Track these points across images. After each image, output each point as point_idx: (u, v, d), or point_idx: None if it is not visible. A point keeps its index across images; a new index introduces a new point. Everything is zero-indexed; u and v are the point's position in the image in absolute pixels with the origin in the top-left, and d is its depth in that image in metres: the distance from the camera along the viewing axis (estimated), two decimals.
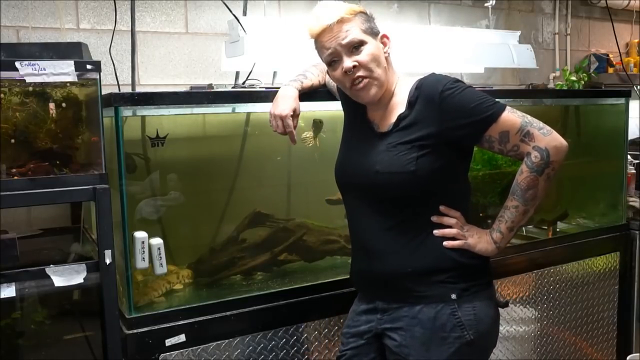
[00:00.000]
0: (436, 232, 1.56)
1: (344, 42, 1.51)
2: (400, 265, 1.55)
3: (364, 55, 1.52)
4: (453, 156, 1.55)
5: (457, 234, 1.57)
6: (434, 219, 1.56)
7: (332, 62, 1.56)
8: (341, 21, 1.51)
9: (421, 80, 1.56)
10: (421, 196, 1.55)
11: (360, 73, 1.53)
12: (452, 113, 1.49)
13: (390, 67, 1.61)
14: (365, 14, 1.57)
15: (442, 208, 1.57)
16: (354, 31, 1.52)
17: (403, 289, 1.56)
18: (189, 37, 2.50)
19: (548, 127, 1.53)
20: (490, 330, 1.59)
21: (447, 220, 1.57)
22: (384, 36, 1.59)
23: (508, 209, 1.58)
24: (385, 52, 1.58)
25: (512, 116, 1.51)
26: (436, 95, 1.50)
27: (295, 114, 1.69)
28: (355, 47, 1.52)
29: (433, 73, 1.58)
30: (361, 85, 1.54)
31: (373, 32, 1.56)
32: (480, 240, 1.59)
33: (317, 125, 1.90)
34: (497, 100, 1.53)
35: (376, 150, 1.57)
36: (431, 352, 1.53)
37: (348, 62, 1.52)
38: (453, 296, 1.53)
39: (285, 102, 1.70)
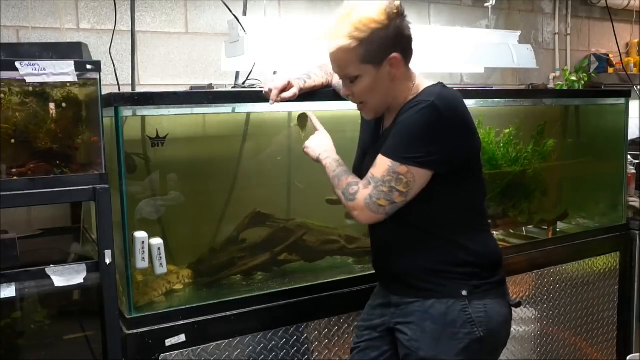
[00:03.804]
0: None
1: (341, 73, 1.57)
2: (410, 263, 1.58)
3: (358, 89, 1.56)
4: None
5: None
6: None
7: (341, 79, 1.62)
8: (340, 49, 1.50)
9: (419, 94, 1.55)
10: (426, 198, 1.54)
11: (355, 101, 1.60)
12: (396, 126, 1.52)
13: (400, 83, 1.56)
14: (374, 32, 1.47)
15: None
16: (350, 64, 1.51)
17: (415, 284, 1.58)
18: (189, 37, 2.49)
19: (383, 201, 1.50)
20: (500, 328, 1.59)
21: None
22: (393, 58, 1.51)
23: (342, 166, 1.63)
24: (391, 75, 1.53)
25: (399, 169, 1.47)
26: (404, 109, 1.52)
27: (289, 85, 1.74)
28: (350, 79, 1.55)
29: (439, 83, 1.58)
30: (359, 108, 1.63)
31: (373, 59, 1.50)
32: (314, 140, 1.72)
33: (302, 119, 1.90)
34: (423, 157, 1.46)
35: None
36: (441, 347, 1.54)
37: (344, 90, 1.60)
38: (464, 292, 1.54)
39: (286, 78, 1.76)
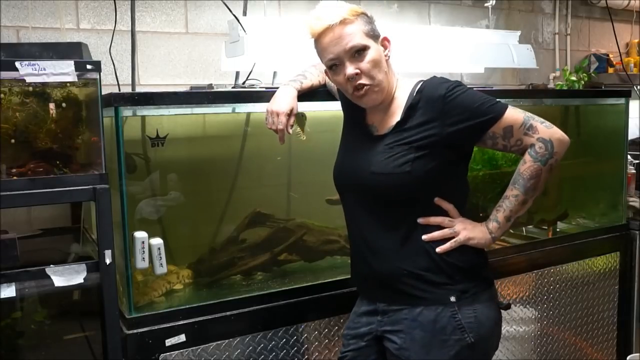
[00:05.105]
0: (425, 237, 1.54)
1: (347, 47, 1.49)
2: (396, 266, 1.55)
3: (366, 63, 1.50)
4: (451, 158, 1.55)
5: (444, 235, 1.55)
6: (421, 220, 1.55)
7: (333, 66, 1.54)
8: (343, 22, 1.48)
9: (423, 84, 1.56)
10: (416, 197, 1.55)
11: (363, 80, 1.51)
12: (456, 115, 1.49)
13: (390, 69, 1.59)
14: (367, 15, 1.55)
15: (436, 200, 1.56)
16: (356, 35, 1.49)
17: (401, 290, 1.56)
18: (189, 37, 2.50)
19: (549, 122, 1.55)
20: (491, 332, 1.59)
21: (433, 219, 1.55)
22: (385, 39, 1.57)
23: (507, 199, 1.58)
24: (385, 55, 1.57)
25: (514, 112, 1.54)
26: (439, 99, 1.50)
27: (292, 113, 1.69)
28: (357, 52, 1.50)
29: (434, 76, 1.58)
30: (363, 92, 1.53)
31: (374, 35, 1.54)
32: (474, 232, 1.58)
33: (300, 119, 1.90)
34: (498, 100, 1.54)
35: (373, 151, 1.56)
36: (431, 355, 1.52)
37: (350, 69, 1.50)
38: (452, 299, 1.52)
39: (284, 100, 1.69)
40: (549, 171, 1.54)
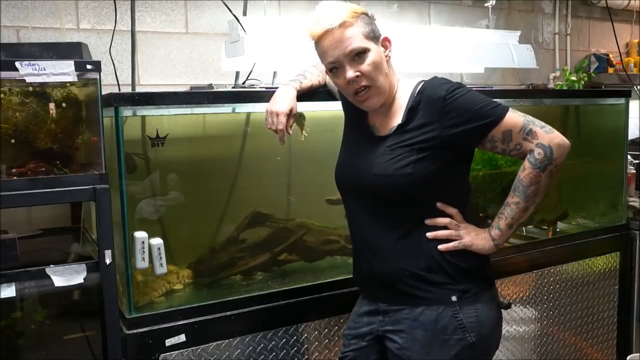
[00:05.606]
0: (429, 234, 1.55)
1: (347, 50, 1.48)
2: (397, 266, 1.56)
3: (366, 65, 1.50)
4: (452, 159, 1.55)
5: (450, 235, 1.56)
6: (428, 222, 1.56)
7: (334, 69, 1.54)
8: (343, 25, 1.48)
9: (424, 85, 1.55)
10: (418, 198, 1.55)
11: (364, 83, 1.51)
12: (456, 117, 1.49)
13: (391, 69, 1.59)
14: (367, 15, 1.54)
15: (439, 205, 1.56)
16: (356, 38, 1.49)
17: (402, 290, 1.56)
18: (189, 37, 2.49)
19: (550, 126, 1.54)
20: (492, 332, 1.59)
21: (440, 220, 1.56)
22: (385, 39, 1.57)
23: (508, 206, 1.58)
24: (386, 56, 1.56)
25: (514, 116, 1.52)
26: (439, 100, 1.49)
27: (291, 113, 1.69)
28: (357, 55, 1.49)
29: (435, 77, 1.58)
30: (365, 96, 1.53)
31: (375, 37, 1.53)
32: (477, 238, 1.58)
33: (299, 119, 1.90)
34: (498, 102, 1.53)
35: (375, 153, 1.56)
36: (432, 355, 1.52)
37: (350, 72, 1.50)
38: (454, 298, 1.52)
39: (283, 100, 1.70)
40: (549, 177, 1.53)
